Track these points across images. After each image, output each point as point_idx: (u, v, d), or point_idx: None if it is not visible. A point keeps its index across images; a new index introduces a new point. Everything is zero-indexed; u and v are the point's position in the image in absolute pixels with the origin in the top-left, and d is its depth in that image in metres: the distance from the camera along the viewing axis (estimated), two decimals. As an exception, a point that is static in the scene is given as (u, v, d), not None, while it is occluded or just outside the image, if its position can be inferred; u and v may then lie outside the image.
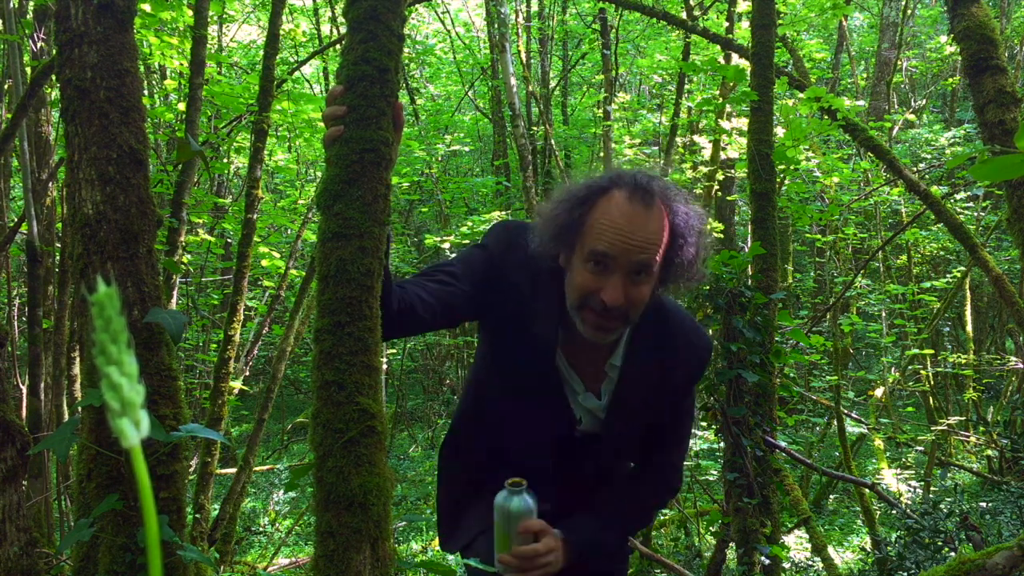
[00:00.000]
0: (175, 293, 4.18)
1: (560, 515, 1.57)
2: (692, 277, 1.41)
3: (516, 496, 1.45)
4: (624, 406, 1.51)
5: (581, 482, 1.61)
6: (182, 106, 4.84)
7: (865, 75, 11.27)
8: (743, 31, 6.35)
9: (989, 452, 6.65)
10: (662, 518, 5.85)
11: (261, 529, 6.92)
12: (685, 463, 5.24)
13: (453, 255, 8.41)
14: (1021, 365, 6.89)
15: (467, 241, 8.21)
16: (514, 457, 1.60)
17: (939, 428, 6.43)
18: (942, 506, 3.46)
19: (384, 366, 5.68)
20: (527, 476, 1.60)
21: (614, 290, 1.31)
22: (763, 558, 2.90)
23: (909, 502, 4.36)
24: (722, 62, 5.75)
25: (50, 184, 4.62)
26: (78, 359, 4.23)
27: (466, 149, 10.66)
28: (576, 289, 1.37)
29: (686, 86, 8.11)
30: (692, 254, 1.38)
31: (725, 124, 6.01)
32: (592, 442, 1.57)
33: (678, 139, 7.71)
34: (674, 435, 1.64)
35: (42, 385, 3.98)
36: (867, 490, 4.84)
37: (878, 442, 6.45)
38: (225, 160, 7.85)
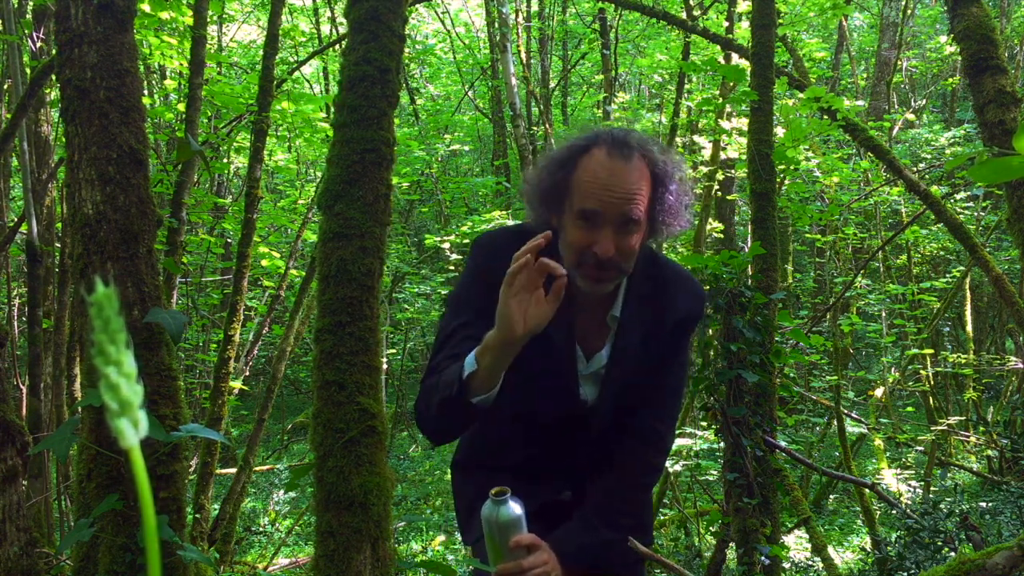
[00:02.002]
0: (175, 293, 4.18)
1: (579, 500, 1.60)
2: (677, 222, 1.49)
3: (502, 506, 1.43)
4: (624, 354, 1.55)
5: (591, 462, 1.63)
6: (182, 106, 4.84)
7: (865, 75, 11.27)
8: (743, 31, 6.35)
9: (989, 452, 6.65)
10: (662, 518, 5.85)
11: (261, 529, 6.92)
12: (686, 464, 5.22)
13: (454, 255, 8.31)
14: (1021, 365, 6.89)
15: (467, 241, 8.21)
16: (526, 446, 1.63)
17: (939, 428, 6.43)
18: (942, 506, 3.46)
19: (384, 366, 5.69)
20: (540, 463, 1.61)
21: (606, 243, 1.39)
22: (763, 558, 2.90)
23: (909, 502, 4.36)
24: (722, 62, 5.75)
25: (50, 184, 4.62)
26: (78, 359, 4.23)
27: (466, 149, 10.66)
28: (570, 247, 1.44)
29: (686, 86, 8.10)
30: (674, 200, 1.47)
31: (725, 124, 6.01)
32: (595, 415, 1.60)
33: (678, 139, 7.71)
34: (662, 398, 1.64)
35: (42, 385, 3.98)
36: (867, 490, 4.84)
37: (878, 442, 6.45)
38: (225, 160, 7.85)
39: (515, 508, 1.44)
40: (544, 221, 1.49)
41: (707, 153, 7.03)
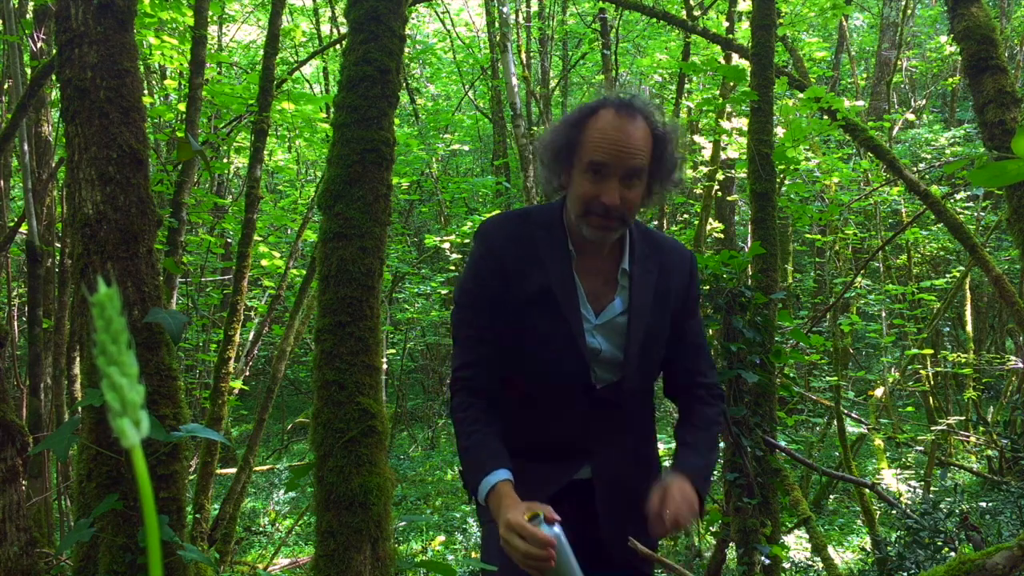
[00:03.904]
0: (175, 293, 4.18)
1: (604, 478, 1.63)
2: (675, 181, 1.63)
3: (547, 526, 1.37)
4: (642, 300, 1.66)
5: (614, 436, 1.66)
6: (182, 106, 4.84)
7: (865, 75, 11.27)
8: (743, 31, 6.35)
9: (989, 452, 6.65)
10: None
11: (261, 529, 6.92)
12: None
13: (454, 255, 8.31)
14: (1021, 365, 6.89)
15: (467, 241, 8.22)
16: (546, 425, 1.66)
17: (939, 428, 6.43)
18: (942, 506, 3.46)
19: (384, 366, 5.67)
20: (562, 444, 1.64)
21: (612, 193, 1.52)
22: (763, 558, 2.90)
23: (909, 502, 4.36)
24: (722, 62, 5.75)
25: (50, 184, 4.62)
26: (78, 359, 4.22)
27: (466, 149, 10.66)
28: (579, 199, 1.56)
29: (686, 86, 8.11)
30: (672, 160, 1.60)
31: (725, 124, 6.01)
32: (613, 386, 1.65)
33: (678, 139, 7.69)
34: (703, 355, 1.77)
35: (42, 385, 3.98)
36: (867, 490, 4.84)
37: (878, 442, 6.45)
38: (225, 160, 7.85)
39: (553, 528, 1.38)
40: (554, 180, 1.63)
41: (707, 153, 7.03)
